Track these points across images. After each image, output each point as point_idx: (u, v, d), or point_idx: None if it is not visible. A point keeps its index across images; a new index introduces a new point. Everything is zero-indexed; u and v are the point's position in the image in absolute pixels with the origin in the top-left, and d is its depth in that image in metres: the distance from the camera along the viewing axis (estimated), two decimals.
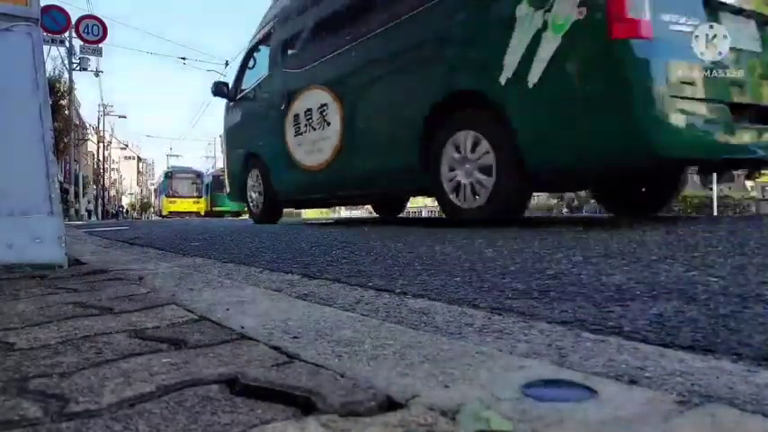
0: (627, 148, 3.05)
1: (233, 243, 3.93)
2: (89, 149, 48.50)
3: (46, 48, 20.30)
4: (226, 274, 2.15)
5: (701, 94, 3.10)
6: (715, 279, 1.64)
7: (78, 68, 25.23)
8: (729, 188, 16.76)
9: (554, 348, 0.97)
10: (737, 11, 3.39)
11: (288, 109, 5.86)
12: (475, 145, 3.83)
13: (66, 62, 24.88)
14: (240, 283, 1.79)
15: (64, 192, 25.54)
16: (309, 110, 5.49)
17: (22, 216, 2.16)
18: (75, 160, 30.42)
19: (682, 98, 3.00)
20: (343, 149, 5.06)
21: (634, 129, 2.96)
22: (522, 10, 3.38)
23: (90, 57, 25.25)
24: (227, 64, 35.05)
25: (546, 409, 0.62)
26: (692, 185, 17.20)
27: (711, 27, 3.16)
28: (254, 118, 6.72)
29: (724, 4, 3.31)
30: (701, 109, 3.10)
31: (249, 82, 7.02)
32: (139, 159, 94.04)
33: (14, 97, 2.23)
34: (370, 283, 1.82)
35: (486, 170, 3.77)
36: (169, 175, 36.55)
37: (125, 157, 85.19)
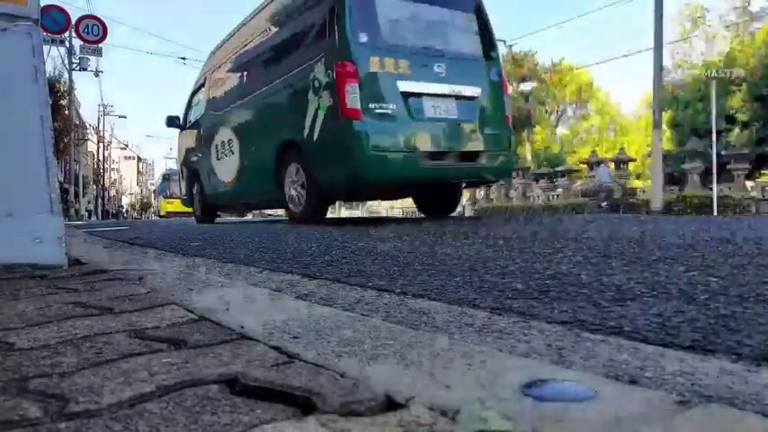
0: (351, 177, 5.21)
1: (233, 243, 3.93)
2: (89, 149, 48.50)
3: (46, 48, 20.29)
4: (226, 274, 2.15)
5: (394, 146, 5.14)
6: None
7: (78, 68, 25.24)
8: (729, 188, 16.76)
9: (554, 348, 0.97)
10: (437, 95, 5.41)
11: (213, 140, 7.92)
12: (297, 172, 5.91)
13: (66, 62, 24.90)
14: (240, 283, 1.79)
15: (64, 192, 25.54)
16: (223, 142, 7.56)
17: (22, 216, 2.16)
18: (75, 160, 30.42)
19: (380, 150, 5.07)
20: (240, 172, 7.12)
21: (353, 168, 5.09)
22: (311, 95, 5.49)
23: (90, 57, 25.26)
24: None
25: (546, 409, 0.61)
26: (692, 186, 17.22)
27: (407, 107, 5.21)
28: (195, 144, 8.74)
29: (423, 92, 5.31)
30: (394, 155, 5.14)
31: (194, 116, 8.97)
32: (139, 159, 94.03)
33: (14, 97, 2.23)
34: (370, 283, 1.82)
35: (303, 188, 5.85)
36: (167, 177, 36.67)
37: (125, 157, 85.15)
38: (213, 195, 8.14)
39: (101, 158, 46.59)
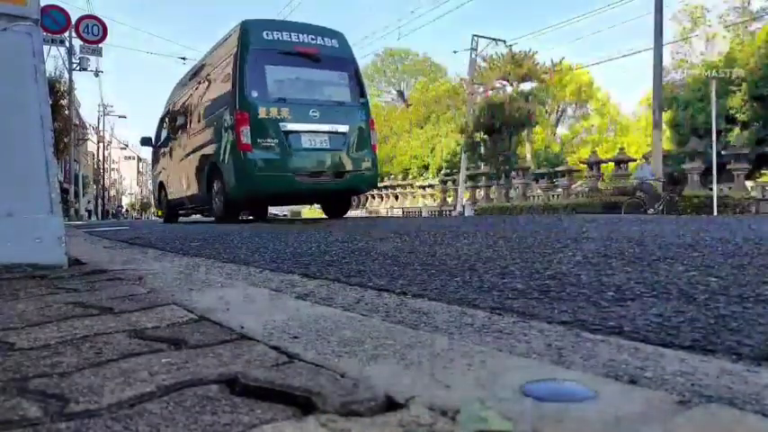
0: (245, 191, 7.46)
1: (233, 243, 3.93)
2: (89, 149, 48.48)
3: (46, 48, 20.26)
4: (226, 274, 2.15)
5: (276, 169, 7.34)
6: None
7: (78, 68, 25.24)
8: (729, 188, 16.75)
9: (554, 348, 0.97)
10: (312, 132, 7.59)
11: (172, 158, 10.41)
12: (218, 183, 8.02)
13: (66, 62, 24.89)
14: (240, 283, 1.79)
15: (64, 192, 25.52)
16: (178, 160, 9.98)
17: (22, 216, 2.16)
18: (75, 160, 30.40)
19: (265, 172, 7.28)
20: (188, 184, 9.40)
21: (246, 184, 7.33)
22: (223, 132, 7.76)
23: (90, 57, 25.27)
24: None
25: (546, 409, 0.61)
26: (692, 186, 17.21)
27: (288, 142, 7.39)
28: (161, 161, 11.29)
29: (301, 130, 7.50)
30: (277, 175, 7.34)
31: (162, 137, 11.34)
32: (139, 159, 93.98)
33: (14, 97, 2.23)
34: (370, 283, 1.82)
35: (221, 196, 8.04)
36: None
37: (125, 157, 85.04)
38: (173, 201, 10.56)
39: (101, 158, 46.60)
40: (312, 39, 8.02)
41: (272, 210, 24.15)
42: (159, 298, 1.47)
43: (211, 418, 0.64)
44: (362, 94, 8.30)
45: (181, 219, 11.66)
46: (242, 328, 1.07)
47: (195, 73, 9.92)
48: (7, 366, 0.87)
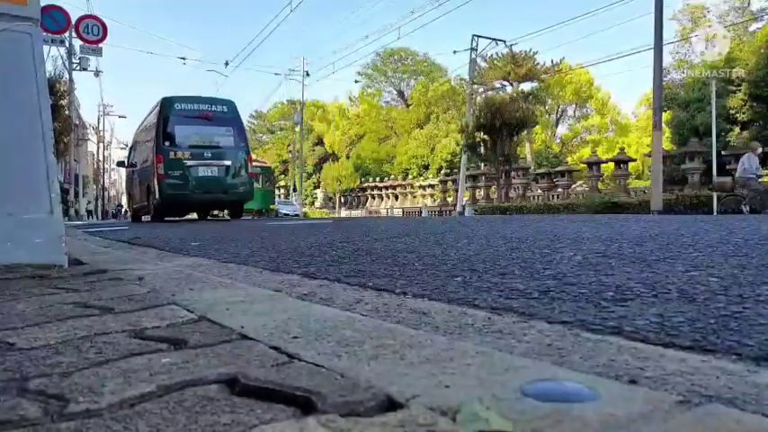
0: (161, 203, 12.02)
1: (233, 243, 3.93)
2: (89, 149, 48.43)
3: (46, 48, 20.22)
4: (226, 274, 2.15)
5: (181, 189, 11.86)
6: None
7: (78, 68, 25.22)
8: None
9: (554, 348, 0.97)
10: (206, 165, 12.15)
11: (134, 176, 14.54)
12: (151, 197, 12.35)
13: (66, 62, 24.87)
14: (240, 283, 1.79)
15: (64, 192, 25.47)
16: (136, 179, 14.15)
17: (22, 216, 2.16)
18: (75, 160, 30.37)
19: (174, 190, 11.86)
20: (140, 196, 13.44)
21: (161, 199, 11.90)
22: (151, 165, 12.36)
23: (90, 56, 25.24)
24: (226, 64, 35.43)
25: (546, 409, 0.61)
26: (692, 186, 17.20)
27: (189, 172, 11.88)
28: (131, 177, 15.36)
29: (198, 165, 12.02)
30: (181, 192, 11.91)
31: (130, 160, 15.50)
32: None
33: (14, 97, 2.23)
34: (370, 283, 1.82)
35: (151, 205, 12.65)
36: None
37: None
38: (136, 207, 14.61)
39: (101, 158, 46.62)
40: (209, 107, 12.46)
41: (283, 210, 29.85)
42: (159, 298, 1.47)
43: (211, 418, 0.64)
44: (243, 140, 12.91)
45: (169, 219, 14.15)
46: (242, 327, 1.07)
47: (141, 124, 14.50)
48: (7, 366, 0.87)
